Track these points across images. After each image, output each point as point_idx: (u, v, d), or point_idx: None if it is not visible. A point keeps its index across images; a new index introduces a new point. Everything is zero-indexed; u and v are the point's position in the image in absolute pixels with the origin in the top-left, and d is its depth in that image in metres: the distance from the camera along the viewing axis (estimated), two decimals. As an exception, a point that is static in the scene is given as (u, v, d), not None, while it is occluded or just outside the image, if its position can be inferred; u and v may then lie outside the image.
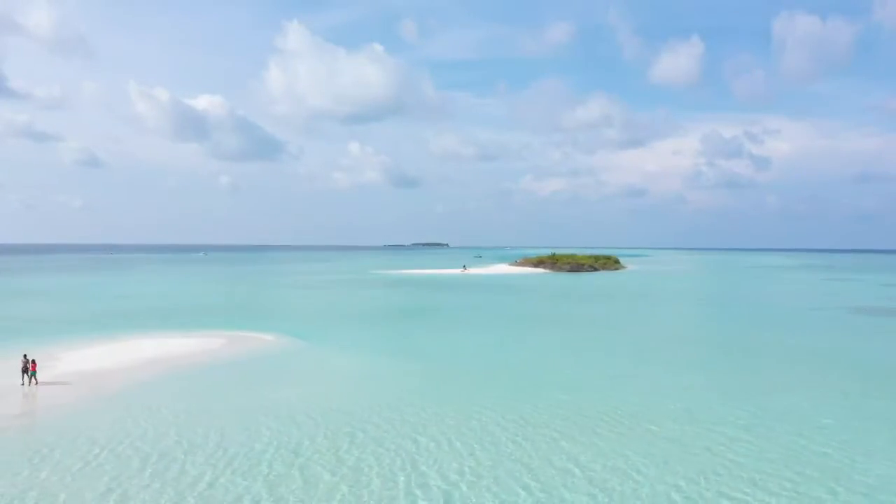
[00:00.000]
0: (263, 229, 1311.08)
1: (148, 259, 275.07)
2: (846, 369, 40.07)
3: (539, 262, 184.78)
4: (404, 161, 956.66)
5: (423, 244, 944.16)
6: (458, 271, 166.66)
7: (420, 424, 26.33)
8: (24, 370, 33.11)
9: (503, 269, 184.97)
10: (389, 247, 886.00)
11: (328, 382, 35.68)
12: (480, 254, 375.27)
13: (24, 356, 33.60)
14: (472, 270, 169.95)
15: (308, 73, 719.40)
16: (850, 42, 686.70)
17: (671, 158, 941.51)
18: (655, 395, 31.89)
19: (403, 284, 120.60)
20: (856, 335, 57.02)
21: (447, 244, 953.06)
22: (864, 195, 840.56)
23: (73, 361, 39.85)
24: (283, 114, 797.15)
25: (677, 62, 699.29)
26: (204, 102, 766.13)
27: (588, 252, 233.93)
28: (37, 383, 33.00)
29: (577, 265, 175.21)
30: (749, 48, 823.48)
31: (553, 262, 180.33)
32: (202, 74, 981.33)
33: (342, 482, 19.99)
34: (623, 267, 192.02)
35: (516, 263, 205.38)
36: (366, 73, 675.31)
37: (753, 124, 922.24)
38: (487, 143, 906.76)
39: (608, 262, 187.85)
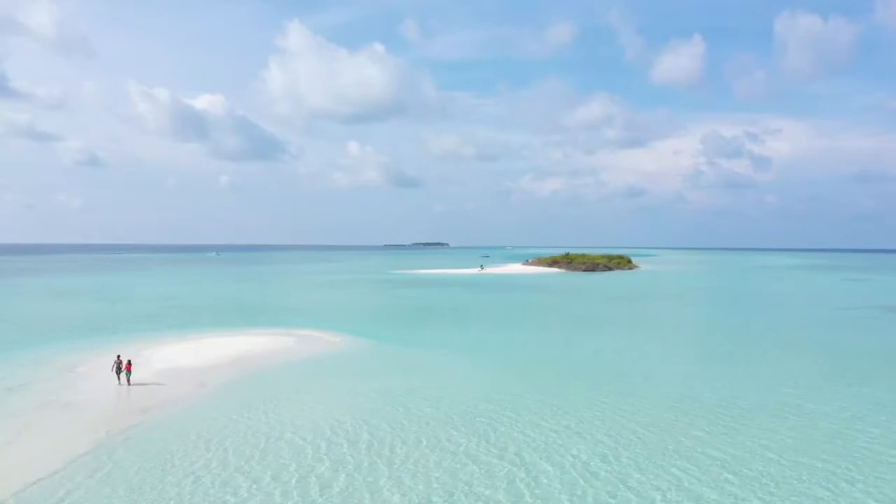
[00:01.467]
0: (263, 229, 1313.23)
1: (159, 259, 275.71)
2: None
3: (553, 262, 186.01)
4: (404, 161, 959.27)
5: (424, 244, 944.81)
6: (475, 271, 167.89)
7: (539, 414, 27.47)
8: (118, 370, 33.14)
9: (517, 268, 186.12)
10: (389, 246, 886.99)
11: (423, 376, 36.51)
12: (488, 253, 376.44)
13: (118, 356, 33.89)
14: (489, 270, 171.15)
15: (309, 73, 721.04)
16: (852, 42, 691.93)
17: (671, 158, 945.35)
18: (748, 389, 33.06)
19: (430, 284, 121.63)
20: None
21: (447, 244, 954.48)
22: (864, 195, 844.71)
23: (161, 359, 40.81)
24: (284, 114, 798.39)
25: (678, 62, 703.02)
26: (204, 102, 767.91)
27: (597, 252, 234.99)
28: (129, 384, 32.85)
29: (592, 265, 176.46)
30: (750, 48, 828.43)
31: (568, 261, 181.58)
32: (202, 74, 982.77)
33: (515, 468, 21.14)
34: (636, 266, 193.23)
35: (529, 263, 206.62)
36: (367, 73, 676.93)
37: (754, 124, 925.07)
38: (487, 142, 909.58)
39: (622, 262, 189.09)
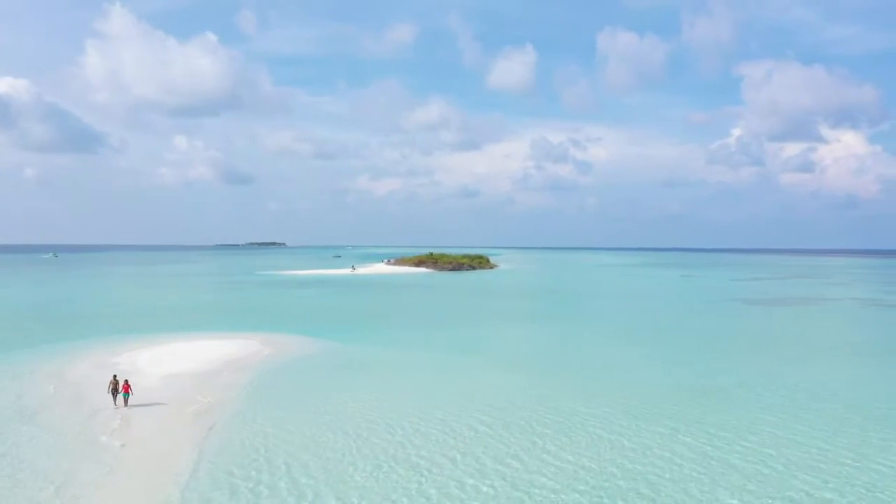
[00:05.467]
0: (77, 227, 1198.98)
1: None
2: (800, 347, 50.71)
3: (420, 262, 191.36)
4: (237, 157, 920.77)
5: (259, 243, 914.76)
6: (348, 271, 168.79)
7: (538, 403, 31.62)
8: (114, 391, 30.24)
9: (385, 268, 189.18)
10: (222, 246, 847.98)
11: (412, 376, 39.10)
12: (339, 253, 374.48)
13: (114, 377, 30.89)
14: (360, 270, 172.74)
15: (132, 61, 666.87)
16: (663, 59, 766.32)
17: (503, 161, 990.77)
18: (699, 373, 39.52)
19: (318, 284, 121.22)
20: (788, 320, 69.61)
21: (284, 244, 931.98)
22: (670, 199, 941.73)
23: (145, 367, 39.73)
24: (103, 103, 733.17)
25: (512, 69, 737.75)
26: (5, 86, 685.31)
27: (454, 251, 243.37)
28: (126, 405, 29.87)
29: (457, 264, 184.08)
30: (577, 60, 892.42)
31: (433, 261, 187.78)
32: (4, 56, 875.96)
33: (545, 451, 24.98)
34: (495, 266, 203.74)
35: (392, 263, 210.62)
36: (198, 64, 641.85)
37: (577, 131, 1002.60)
38: (325, 141, 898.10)
39: (482, 262, 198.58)
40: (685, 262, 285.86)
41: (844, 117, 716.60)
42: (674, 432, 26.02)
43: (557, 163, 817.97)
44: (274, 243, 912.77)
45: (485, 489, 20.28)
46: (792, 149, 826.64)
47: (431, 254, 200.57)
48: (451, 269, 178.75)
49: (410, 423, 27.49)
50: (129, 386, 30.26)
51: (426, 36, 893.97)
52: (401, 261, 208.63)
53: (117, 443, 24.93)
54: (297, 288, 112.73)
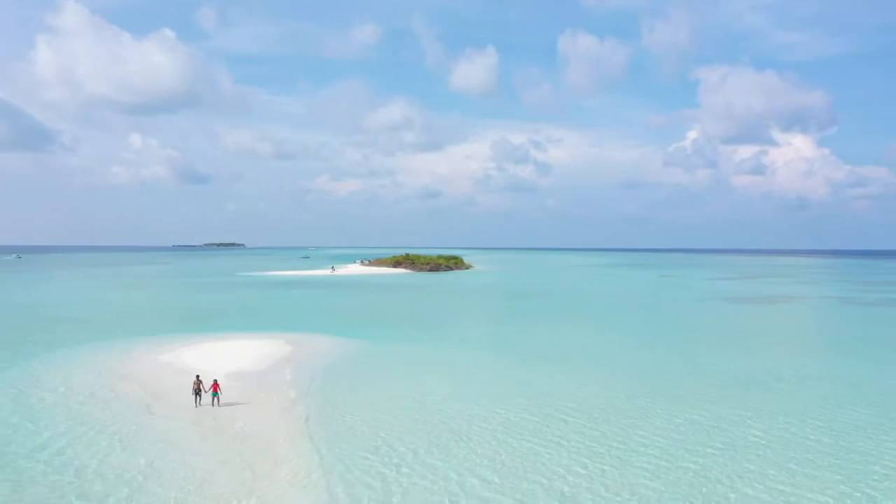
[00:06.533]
0: (27, 227, 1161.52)
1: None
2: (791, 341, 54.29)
3: (397, 263, 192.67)
4: (194, 156, 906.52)
5: (217, 244, 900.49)
6: (328, 272, 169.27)
7: (588, 394, 34.08)
8: (197, 392, 30.93)
9: (362, 269, 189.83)
10: (179, 247, 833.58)
11: (457, 370, 41.28)
12: (308, 254, 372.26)
13: (197, 377, 31.62)
14: (340, 272, 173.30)
15: (86, 56, 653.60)
16: (622, 62, 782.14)
17: (464, 162, 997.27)
18: (736, 366, 42.50)
19: (307, 285, 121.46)
20: (780, 317, 73.56)
21: (244, 244, 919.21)
22: (628, 200, 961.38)
23: (195, 366, 40.73)
24: (55, 100, 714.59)
25: (474, 71, 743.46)
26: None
27: (430, 252, 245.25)
28: (217, 404, 30.65)
29: (435, 265, 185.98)
30: (538, 62, 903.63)
31: (411, 262, 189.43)
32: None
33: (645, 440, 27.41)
34: (470, 266, 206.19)
35: (367, 264, 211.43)
36: (155, 61, 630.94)
37: (538, 133, 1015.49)
38: (285, 140, 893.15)
39: (458, 262, 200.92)
40: (652, 262, 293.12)
41: (795, 121, 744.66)
42: (736, 416, 28.67)
43: (518, 164, 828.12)
44: (233, 244, 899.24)
45: (599, 467, 22.48)
46: (745, 151, 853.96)
47: (407, 255, 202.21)
48: (429, 270, 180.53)
49: (488, 411, 29.54)
50: (217, 385, 31.17)
51: (389, 37, 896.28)
52: (376, 262, 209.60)
53: (237, 437, 26.38)
54: (288, 288, 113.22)
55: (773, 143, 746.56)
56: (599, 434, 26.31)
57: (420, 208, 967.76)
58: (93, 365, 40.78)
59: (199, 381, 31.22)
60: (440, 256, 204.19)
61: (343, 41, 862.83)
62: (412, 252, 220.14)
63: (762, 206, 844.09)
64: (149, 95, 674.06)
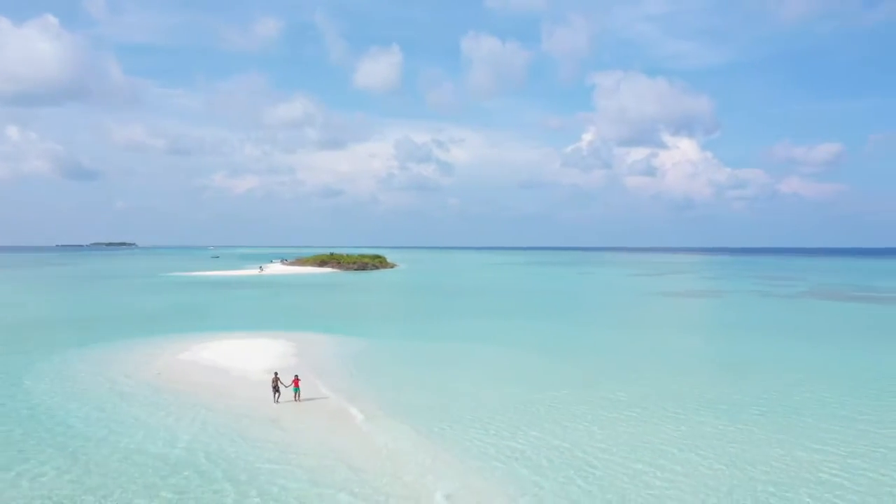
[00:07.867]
0: None
1: None
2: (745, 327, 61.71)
3: (323, 262, 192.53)
4: (80, 150, 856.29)
5: (106, 244, 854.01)
6: (256, 272, 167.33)
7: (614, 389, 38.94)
8: (276, 388, 31.94)
9: (288, 269, 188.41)
10: (64, 247, 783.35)
11: (469, 363, 45.04)
12: (217, 254, 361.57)
13: (276, 374, 32.61)
14: (268, 271, 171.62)
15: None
16: (523, 65, 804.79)
17: (367, 161, 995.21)
18: (719, 353, 48.40)
19: (243, 286, 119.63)
20: (723, 309, 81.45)
21: (135, 244, 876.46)
22: (527, 199, 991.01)
23: (221, 365, 41.97)
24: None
25: (378, 69, 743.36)
26: None
27: (348, 251, 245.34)
28: (298, 399, 31.94)
29: (362, 264, 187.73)
30: (442, 62, 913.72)
31: (337, 261, 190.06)
32: None
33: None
34: (394, 265, 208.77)
35: (291, 263, 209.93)
36: (35, 49, 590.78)
37: (441, 132, 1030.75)
38: (180, 136, 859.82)
39: (382, 262, 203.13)
40: (561, 260, 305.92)
41: (682, 126, 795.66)
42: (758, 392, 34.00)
43: (421, 163, 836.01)
44: (123, 243, 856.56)
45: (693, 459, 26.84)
46: (637, 153, 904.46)
47: (332, 254, 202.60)
48: (356, 269, 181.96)
49: (533, 401, 33.43)
50: (298, 380, 32.49)
51: (292, 32, 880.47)
52: (300, 261, 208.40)
53: (352, 426, 28.86)
54: (233, 289, 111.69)
55: (663, 146, 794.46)
56: (690, 429, 30.70)
57: (321, 207, 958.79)
58: (124, 365, 41.17)
59: (277, 378, 32.24)
60: (364, 255, 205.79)
61: (243, 34, 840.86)
62: (310, 251, 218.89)
63: (652, 206, 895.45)
64: (28, 84, 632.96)
